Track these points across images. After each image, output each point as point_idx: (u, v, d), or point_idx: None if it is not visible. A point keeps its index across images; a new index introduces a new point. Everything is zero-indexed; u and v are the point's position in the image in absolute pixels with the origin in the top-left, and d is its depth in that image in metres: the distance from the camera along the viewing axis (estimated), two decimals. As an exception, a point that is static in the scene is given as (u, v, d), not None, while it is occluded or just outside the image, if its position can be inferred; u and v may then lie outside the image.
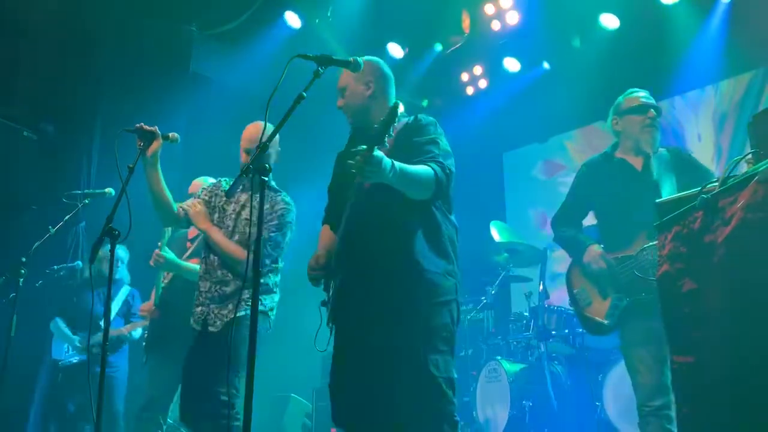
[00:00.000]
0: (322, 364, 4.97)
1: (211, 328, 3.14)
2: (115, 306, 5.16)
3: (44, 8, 5.27)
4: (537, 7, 5.72)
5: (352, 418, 2.44)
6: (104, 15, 5.48)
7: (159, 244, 3.88)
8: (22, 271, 3.96)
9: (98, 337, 4.92)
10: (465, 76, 6.75)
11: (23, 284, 3.99)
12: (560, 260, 6.28)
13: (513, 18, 5.87)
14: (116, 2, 5.50)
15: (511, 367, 4.59)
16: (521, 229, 6.16)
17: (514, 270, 5.32)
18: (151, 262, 3.82)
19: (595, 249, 3.15)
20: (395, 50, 6.44)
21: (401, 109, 2.15)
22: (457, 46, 6.36)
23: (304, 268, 2.64)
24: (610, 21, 5.68)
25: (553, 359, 4.61)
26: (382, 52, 6.46)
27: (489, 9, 5.94)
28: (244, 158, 3.20)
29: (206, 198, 3.34)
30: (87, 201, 4.23)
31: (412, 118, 2.62)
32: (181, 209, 3.27)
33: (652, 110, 3.26)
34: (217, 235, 3.17)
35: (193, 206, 3.28)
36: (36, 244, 4.10)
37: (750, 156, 1.76)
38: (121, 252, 5.26)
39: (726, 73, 5.61)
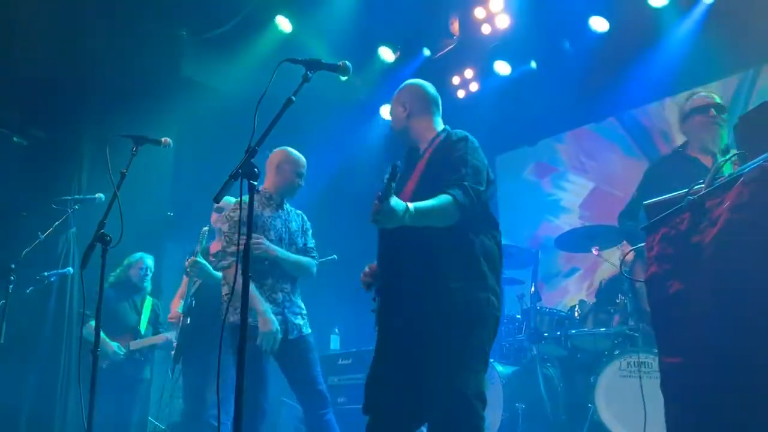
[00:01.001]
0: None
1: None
2: (146, 314, 5.22)
3: (34, 12, 5.25)
4: (527, 11, 5.74)
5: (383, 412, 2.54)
6: (95, 19, 5.46)
7: (195, 251, 4.01)
8: (12, 277, 3.95)
9: (136, 343, 5.02)
10: (456, 80, 6.76)
11: (12, 290, 3.98)
12: (551, 262, 6.32)
13: (503, 21, 5.89)
14: (107, 7, 5.48)
15: (504, 369, 4.60)
16: (513, 231, 6.17)
17: (506, 272, 5.31)
18: (187, 268, 3.95)
19: None
20: (386, 54, 6.45)
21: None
22: (447, 50, 6.37)
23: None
24: (599, 24, 5.70)
25: (545, 361, 4.62)
26: (374, 56, 6.48)
27: (479, 13, 5.95)
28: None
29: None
30: (77, 207, 4.24)
31: (446, 134, 2.70)
32: None
33: (712, 109, 3.26)
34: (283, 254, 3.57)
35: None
36: (25, 250, 4.09)
37: (736, 157, 1.77)
38: (149, 261, 5.30)
39: (715, 74, 5.64)
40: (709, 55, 5.37)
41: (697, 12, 5.34)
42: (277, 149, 3.82)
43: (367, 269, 2.72)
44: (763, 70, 5.45)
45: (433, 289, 2.45)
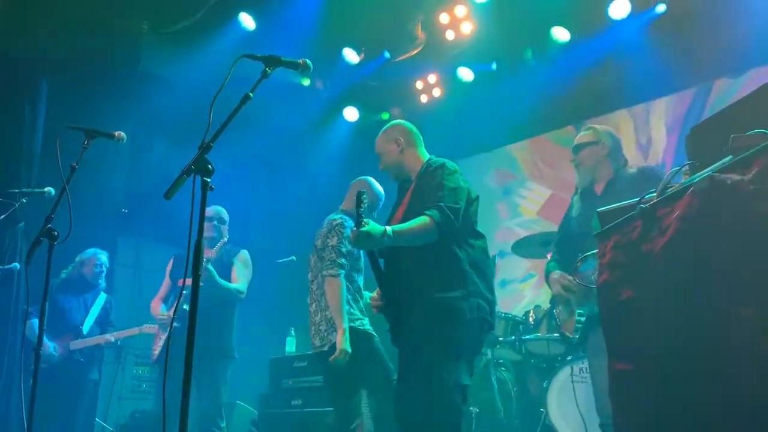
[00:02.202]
0: (269, 371, 4.92)
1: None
2: (93, 313, 5.04)
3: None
4: (491, 18, 5.78)
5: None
6: (50, 7, 5.29)
7: (209, 258, 4.15)
8: (-46, 272, 3.81)
9: (77, 343, 4.85)
10: (419, 84, 6.78)
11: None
12: (508, 268, 6.38)
13: (467, 28, 5.92)
14: (67, -7, 5.33)
15: (459, 373, 4.61)
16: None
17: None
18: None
19: (553, 275, 3.34)
20: (350, 55, 6.43)
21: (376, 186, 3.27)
22: (411, 54, 6.38)
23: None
24: (561, 34, 5.79)
25: (499, 365, 4.65)
26: (338, 57, 6.45)
27: (444, 18, 5.98)
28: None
29: None
30: (24, 200, 4.10)
31: (427, 163, 3.04)
32: None
33: (572, 152, 3.51)
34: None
35: None
36: (-31, 244, 3.94)
37: (687, 168, 1.80)
38: (104, 257, 5.14)
39: (672, 88, 5.78)
40: (666, 68, 5.49)
41: (655, 26, 5.46)
42: (361, 178, 3.97)
43: (375, 294, 3.02)
44: (715, 84, 5.60)
45: (420, 301, 2.76)
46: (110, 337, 4.96)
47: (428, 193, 2.86)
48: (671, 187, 1.78)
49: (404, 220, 2.83)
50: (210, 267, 4.12)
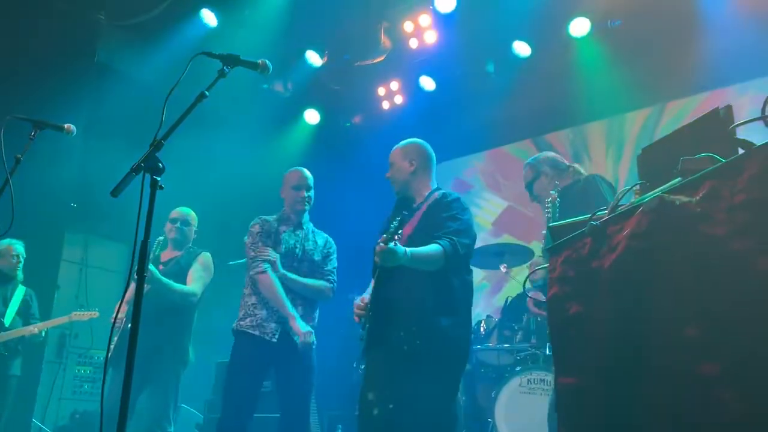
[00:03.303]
0: (215, 375, 4.83)
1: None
2: (14, 305, 4.83)
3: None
4: (454, 29, 5.83)
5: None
6: (1, -7, 5.12)
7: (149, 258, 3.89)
8: None
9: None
10: (381, 91, 6.79)
11: None
12: (474, 278, 6.42)
13: (431, 37, 5.95)
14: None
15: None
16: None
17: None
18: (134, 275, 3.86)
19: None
20: (313, 57, 6.39)
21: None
22: (376, 61, 6.38)
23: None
24: (522, 48, 5.87)
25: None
26: (301, 59, 6.40)
27: (408, 26, 5.99)
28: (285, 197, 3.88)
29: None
30: (-36, 191, 3.92)
31: (441, 193, 3.18)
32: None
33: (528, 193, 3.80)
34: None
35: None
36: None
37: (638, 187, 1.83)
38: (20, 248, 4.93)
39: (627, 106, 5.92)
40: (621, 87, 5.62)
41: (615, 45, 5.58)
42: (294, 169, 4.00)
43: (360, 302, 3.13)
44: (667, 107, 5.77)
45: (420, 325, 2.89)
46: (34, 328, 4.78)
47: (441, 223, 3.01)
48: (622, 205, 1.81)
49: (410, 241, 2.97)
50: (151, 267, 3.98)
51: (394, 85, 6.72)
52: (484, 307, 6.10)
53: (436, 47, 6.02)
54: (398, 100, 6.77)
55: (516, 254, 4.79)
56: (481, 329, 4.73)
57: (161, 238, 4.33)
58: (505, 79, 6.08)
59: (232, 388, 3.52)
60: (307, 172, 3.95)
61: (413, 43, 6.07)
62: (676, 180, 1.58)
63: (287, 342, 3.55)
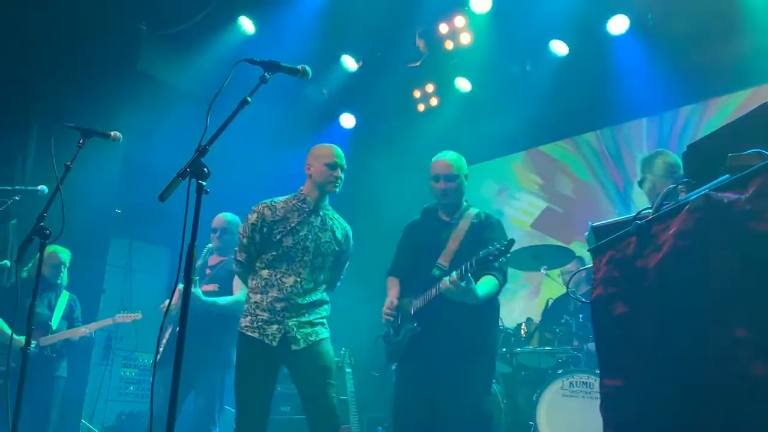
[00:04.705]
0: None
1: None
2: (59, 310, 4.98)
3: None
4: (490, 29, 5.80)
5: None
6: (47, 5, 5.28)
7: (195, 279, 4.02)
8: (-54, 267, 3.77)
9: (47, 339, 4.80)
10: (417, 93, 6.80)
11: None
12: (514, 280, 6.37)
13: (466, 38, 5.94)
14: (64, -7, 5.32)
15: (449, 384, 4.59)
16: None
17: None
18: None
19: None
20: (349, 62, 6.44)
21: None
22: (413, 65, 6.39)
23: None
24: (559, 47, 5.81)
25: (490, 377, 4.64)
26: (337, 64, 6.45)
27: (443, 28, 5.99)
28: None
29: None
30: (17, 198, 4.07)
31: (483, 214, 3.44)
32: None
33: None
34: None
35: None
36: (-39, 241, 3.92)
37: (683, 185, 1.80)
38: (64, 255, 5.07)
39: (668, 104, 5.81)
40: (661, 85, 5.52)
41: (651, 43, 5.49)
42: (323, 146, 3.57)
43: (390, 304, 3.37)
44: (709, 104, 5.64)
45: (473, 338, 3.20)
46: (84, 329, 4.90)
47: (487, 242, 3.09)
48: (667, 204, 1.78)
49: (457, 256, 3.24)
50: (196, 291, 3.89)
51: (430, 88, 6.73)
52: (525, 310, 6.04)
53: (471, 48, 6.01)
54: (433, 102, 6.77)
55: (556, 255, 4.74)
56: (522, 332, 4.69)
57: (210, 245, 4.39)
58: (541, 78, 6.02)
59: (241, 397, 3.23)
60: (341, 151, 3.54)
61: (449, 45, 6.06)
62: (724, 177, 1.55)
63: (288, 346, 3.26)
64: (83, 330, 4.92)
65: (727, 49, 5.28)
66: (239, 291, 4.18)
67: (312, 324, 3.32)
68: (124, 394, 6.26)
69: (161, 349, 4.17)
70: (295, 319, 3.26)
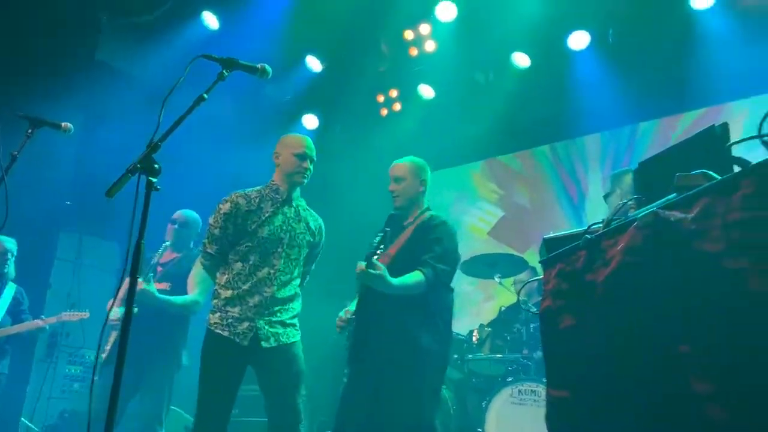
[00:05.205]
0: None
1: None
2: (3, 303, 4.79)
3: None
4: (454, 38, 5.84)
5: None
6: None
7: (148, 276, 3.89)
8: None
9: None
10: (380, 98, 6.80)
11: None
12: (456, 286, 6.41)
13: (431, 46, 5.97)
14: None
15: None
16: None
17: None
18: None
19: None
20: (314, 63, 6.40)
21: None
22: (382, 69, 6.39)
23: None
24: (521, 59, 5.89)
25: (440, 384, 4.65)
26: (301, 64, 6.41)
27: (408, 35, 6.01)
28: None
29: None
30: (-39, 186, 3.91)
31: (433, 218, 3.33)
32: None
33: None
34: None
35: None
36: None
37: (633, 202, 1.83)
38: (10, 244, 4.88)
39: (624, 120, 5.94)
40: (618, 101, 5.65)
41: (611, 60, 5.61)
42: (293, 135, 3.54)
43: (342, 315, 3.31)
44: (664, 122, 5.79)
45: (405, 340, 3.08)
46: (42, 322, 4.75)
47: (426, 246, 3.19)
48: (617, 219, 1.81)
49: (396, 259, 3.18)
50: (150, 287, 3.75)
51: (393, 93, 6.74)
52: (478, 317, 6.09)
53: (435, 56, 6.04)
54: (396, 107, 6.78)
55: (509, 264, 4.79)
56: (474, 338, 4.72)
57: (167, 243, 4.23)
58: (503, 89, 6.09)
59: (205, 397, 3.11)
60: (311, 142, 3.46)
61: (413, 51, 6.09)
62: (672, 196, 1.58)
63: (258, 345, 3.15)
64: (40, 322, 4.75)
65: (681, 70, 5.43)
66: (196, 290, 4.03)
67: (284, 324, 3.24)
68: (68, 391, 6.07)
69: (108, 347, 4.05)
70: (267, 318, 3.17)
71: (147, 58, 5.88)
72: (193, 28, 5.89)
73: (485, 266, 4.74)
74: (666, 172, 1.67)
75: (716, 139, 1.58)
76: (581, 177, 6.23)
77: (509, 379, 4.16)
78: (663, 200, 1.61)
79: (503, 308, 4.99)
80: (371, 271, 2.92)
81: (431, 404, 3.12)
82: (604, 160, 6.12)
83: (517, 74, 5.98)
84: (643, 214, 1.63)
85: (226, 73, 2.21)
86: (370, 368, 3.14)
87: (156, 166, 1.85)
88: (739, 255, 1.32)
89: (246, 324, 3.14)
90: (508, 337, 4.53)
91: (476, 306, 6.32)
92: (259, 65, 2.34)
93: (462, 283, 6.32)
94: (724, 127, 1.58)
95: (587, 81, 5.76)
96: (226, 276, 3.22)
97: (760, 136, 1.31)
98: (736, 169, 1.53)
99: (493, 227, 6.72)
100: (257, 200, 3.30)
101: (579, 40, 5.58)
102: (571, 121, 6.08)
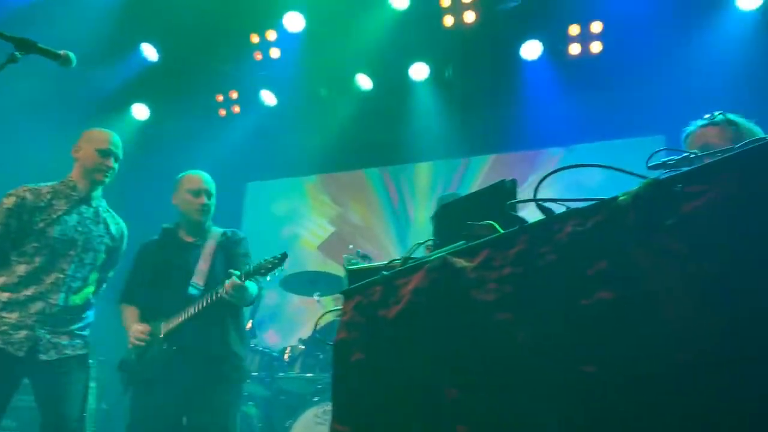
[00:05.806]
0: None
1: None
2: None
3: None
4: (300, 50, 5.80)
5: None
6: None
7: None
8: None
9: None
10: (219, 97, 6.57)
11: None
12: (277, 301, 6.32)
13: (276, 53, 5.88)
14: None
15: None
16: (247, 262, 6.07)
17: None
18: None
19: None
20: (149, 52, 6.04)
21: None
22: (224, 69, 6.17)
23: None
24: (364, 81, 5.98)
25: (247, 400, 4.54)
26: (136, 52, 6.02)
27: (254, 38, 5.88)
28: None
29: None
30: None
31: (229, 231, 3.54)
32: None
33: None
34: None
35: None
36: None
37: (430, 243, 1.88)
38: None
39: (452, 152, 6.24)
40: (449, 133, 5.93)
41: (446, 94, 5.88)
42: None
43: (141, 328, 3.18)
44: (489, 159, 6.17)
45: (220, 353, 3.28)
46: None
47: (238, 258, 3.39)
48: (413, 258, 1.85)
49: (210, 274, 3.29)
50: None
51: (234, 94, 6.54)
52: (295, 334, 6.04)
53: (280, 64, 5.96)
54: (235, 109, 6.59)
55: (331, 283, 4.80)
56: (285, 356, 4.66)
57: None
58: (344, 107, 6.16)
59: None
60: (119, 139, 3.29)
61: (258, 56, 5.96)
62: (461, 243, 1.64)
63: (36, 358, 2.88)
64: None
65: (510, 111, 5.82)
66: None
67: (71, 335, 2.96)
68: None
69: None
70: (50, 327, 2.88)
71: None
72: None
73: (306, 284, 4.72)
74: (461, 218, 1.73)
75: (505, 192, 1.66)
76: (408, 202, 6.44)
77: (315, 399, 4.14)
78: (453, 246, 1.66)
79: (318, 326, 4.97)
80: (246, 284, 3.14)
81: (234, 418, 3.33)
82: (434, 188, 6.37)
83: (359, 95, 6.07)
84: (434, 257, 1.68)
85: (19, 55, 1.98)
86: (180, 388, 3.14)
87: None
88: (507, 308, 1.38)
89: (23, 333, 2.85)
90: (321, 356, 4.52)
91: (297, 324, 6.26)
92: (61, 52, 2.12)
93: (282, 299, 6.25)
94: (513, 182, 1.67)
95: (424, 111, 5.99)
96: (5, 278, 2.91)
97: (535, 200, 1.39)
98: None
99: (324, 241, 6.73)
100: (49, 196, 3.03)
101: (419, 71, 5.78)
102: (405, 147, 6.27)
